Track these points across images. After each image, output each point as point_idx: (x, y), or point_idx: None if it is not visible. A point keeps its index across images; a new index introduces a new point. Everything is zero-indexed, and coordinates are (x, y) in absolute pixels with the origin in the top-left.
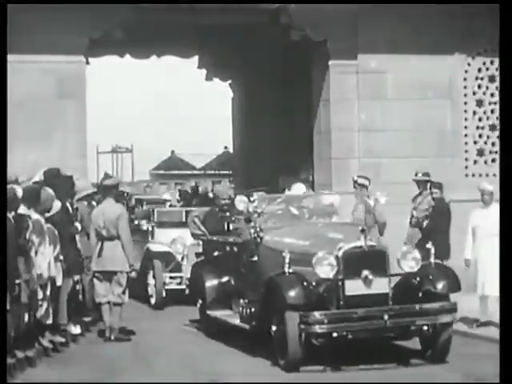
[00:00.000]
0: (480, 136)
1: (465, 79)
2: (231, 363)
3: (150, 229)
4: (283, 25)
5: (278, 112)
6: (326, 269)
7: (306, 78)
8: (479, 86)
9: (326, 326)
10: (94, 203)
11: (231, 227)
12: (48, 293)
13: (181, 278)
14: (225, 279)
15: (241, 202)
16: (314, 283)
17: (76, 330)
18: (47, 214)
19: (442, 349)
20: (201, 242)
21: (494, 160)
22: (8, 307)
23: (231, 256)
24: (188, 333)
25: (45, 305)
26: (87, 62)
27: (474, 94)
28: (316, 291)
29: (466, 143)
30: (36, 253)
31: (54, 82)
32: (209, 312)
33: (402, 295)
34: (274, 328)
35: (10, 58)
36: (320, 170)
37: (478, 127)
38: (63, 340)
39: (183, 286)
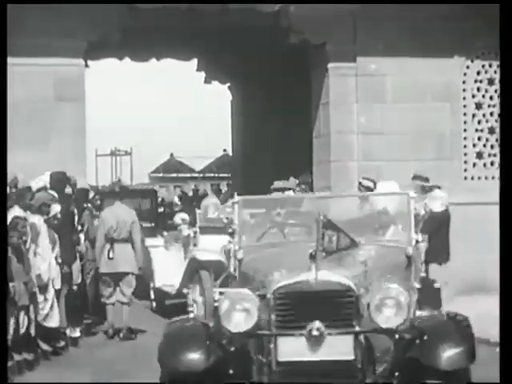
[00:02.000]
0: (479, 139)
1: (464, 82)
2: None
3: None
4: (282, 28)
5: (276, 115)
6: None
7: (305, 81)
8: (478, 89)
9: None
10: (93, 209)
11: None
12: (51, 296)
13: None
14: None
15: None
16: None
17: (75, 333)
18: (46, 217)
19: None
20: None
21: (492, 163)
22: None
23: None
24: None
25: (47, 308)
26: (86, 65)
27: (473, 96)
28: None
29: (465, 146)
30: (35, 254)
31: (53, 85)
32: None
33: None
34: None
35: (9, 60)
36: (319, 173)
37: (477, 130)
38: (63, 343)
39: None
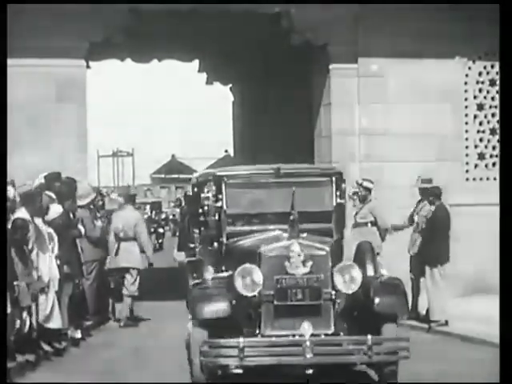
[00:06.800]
0: (481, 140)
1: (465, 83)
2: None
3: None
4: (284, 29)
5: (278, 116)
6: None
7: (307, 82)
8: (480, 90)
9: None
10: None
11: None
12: (51, 297)
13: None
14: None
15: None
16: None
17: (77, 334)
18: (47, 218)
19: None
20: None
21: (494, 164)
22: (9, 310)
23: None
24: None
25: (48, 308)
26: (88, 66)
27: (475, 97)
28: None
29: (466, 147)
30: (37, 255)
31: (55, 86)
32: None
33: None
34: None
35: (11, 61)
36: None
37: (478, 131)
38: (64, 344)
39: None
